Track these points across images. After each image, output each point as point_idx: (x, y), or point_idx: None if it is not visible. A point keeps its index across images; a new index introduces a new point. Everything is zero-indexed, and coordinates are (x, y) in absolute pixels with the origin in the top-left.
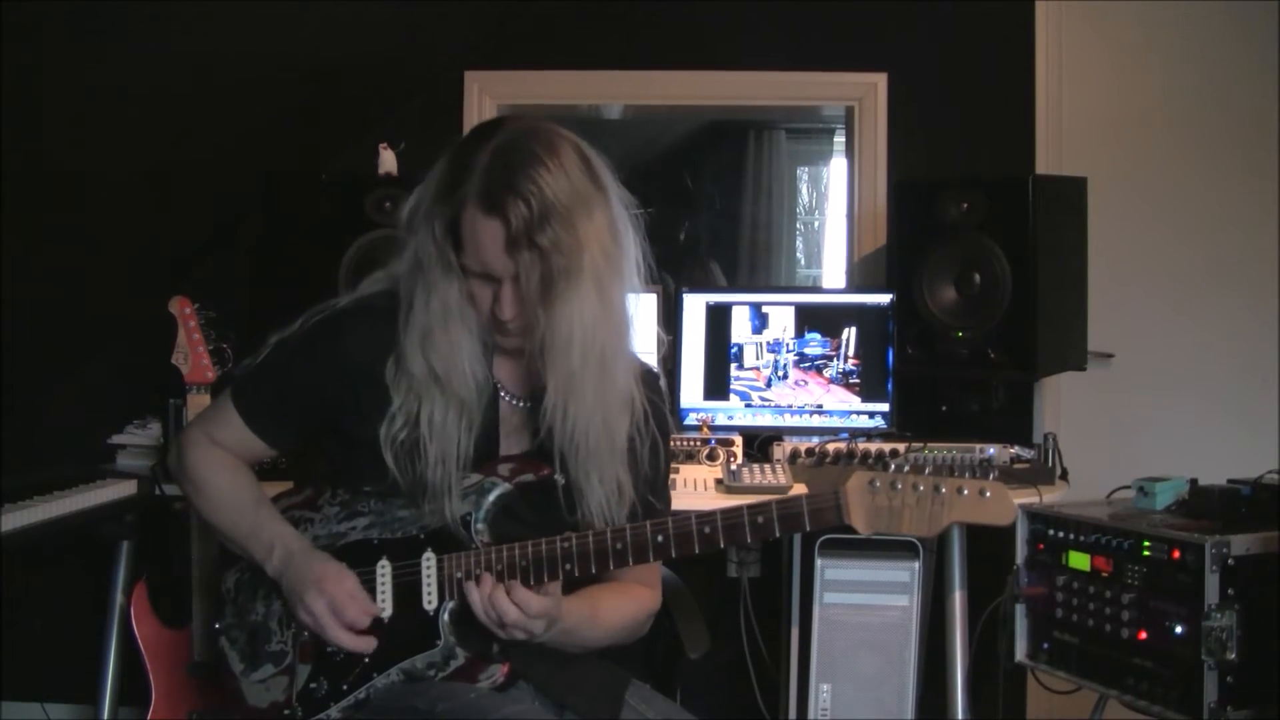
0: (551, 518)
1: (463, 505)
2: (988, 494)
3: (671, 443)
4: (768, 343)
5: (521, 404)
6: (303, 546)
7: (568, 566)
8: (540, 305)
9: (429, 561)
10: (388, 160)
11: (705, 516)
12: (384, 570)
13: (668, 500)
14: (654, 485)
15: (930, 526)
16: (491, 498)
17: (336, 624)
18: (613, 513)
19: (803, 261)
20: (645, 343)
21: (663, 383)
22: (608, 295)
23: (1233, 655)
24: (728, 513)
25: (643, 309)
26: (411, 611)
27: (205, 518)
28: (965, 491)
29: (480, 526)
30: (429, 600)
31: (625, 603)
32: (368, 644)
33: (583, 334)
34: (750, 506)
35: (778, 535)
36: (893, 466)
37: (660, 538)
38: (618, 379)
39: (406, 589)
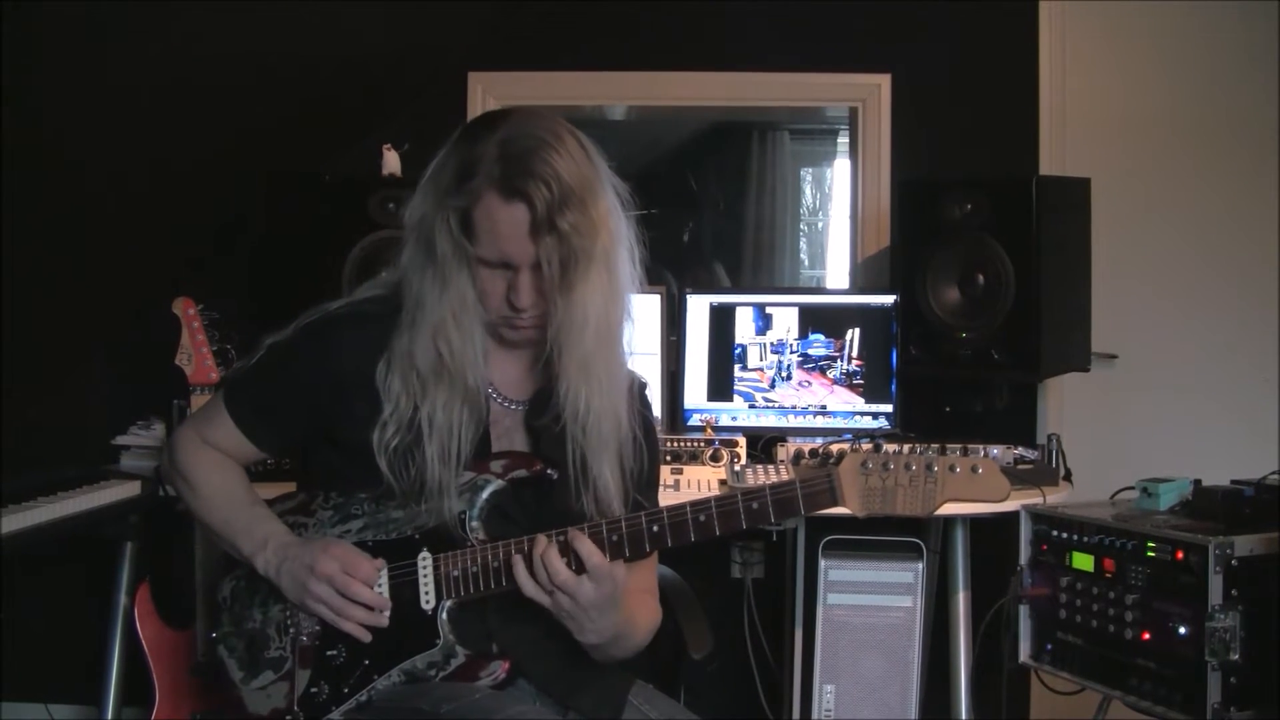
0: (545, 514)
1: (457, 503)
2: (980, 470)
3: (676, 443)
4: (771, 344)
5: (514, 406)
6: (298, 538)
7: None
8: (557, 290)
9: (425, 561)
10: (391, 161)
11: (700, 504)
12: (380, 572)
13: (654, 502)
14: (641, 483)
15: (924, 506)
16: (485, 494)
17: (352, 580)
18: (612, 500)
19: (806, 262)
20: (647, 342)
21: (649, 393)
22: (615, 275)
23: (1236, 656)
24: (722, 499)
25: (645, 309)
26: (410, 612)
27: (197, 515)
28: (957, 469)
29: (475, 524)
30: (427, 600)
31: (643, 608)
32: (384, 603)
33: (596, 316)
34: (745, 492)
35: (774, 520)
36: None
37: (656, 527)
38: (623, 360)
39: (404, 590)
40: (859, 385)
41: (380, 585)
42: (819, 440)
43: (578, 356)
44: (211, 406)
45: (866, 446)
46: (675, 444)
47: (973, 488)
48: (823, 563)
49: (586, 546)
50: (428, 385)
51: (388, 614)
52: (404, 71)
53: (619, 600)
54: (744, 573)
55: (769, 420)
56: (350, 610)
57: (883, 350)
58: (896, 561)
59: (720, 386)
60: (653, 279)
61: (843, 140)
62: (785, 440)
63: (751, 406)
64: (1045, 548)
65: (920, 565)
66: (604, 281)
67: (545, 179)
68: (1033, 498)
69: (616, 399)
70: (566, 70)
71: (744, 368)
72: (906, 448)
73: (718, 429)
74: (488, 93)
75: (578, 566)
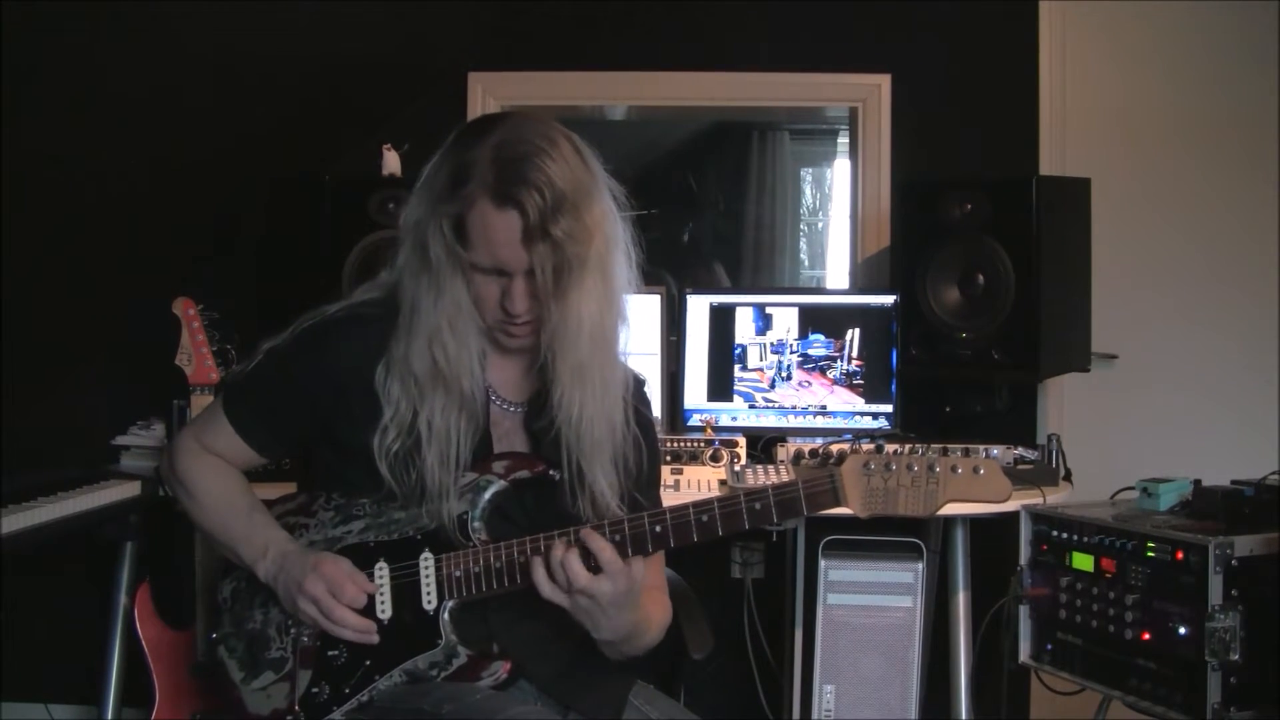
0: (547, 514)
1: (459, 505)
2: (981, 471)
3: (676, 444)
4: (771, 344)
5: (513, 409)
6: (297, 546)
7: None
8: (551, 296)
9: (427, 562)
10: (391, 161)
11: (702, 505)
12: (382, 572)
13: (656, 500)
14: (639, 483)
15: (926, 506)
16: (487, 496)
17: (336, 605)
18: (609, 504)
19: (806, 262)
20: (647, 342)
21: (647, 389)
22: (610, 281)
23: (1236, 656)
24: (724, 500)
25: (645, 310)
26: (411, 612)
27: (197, 522)
28: (959, 470)
29: (477, 525)
30: (429, 600)
31: (656, 605)
32: (369, 626)
33: (591, 321)
34: (747, 493)
35: (776, 521)
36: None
37: (658, 528)
38: (618, 364)
39: (405, 590)
40: (859, 385)
41: (382, 587)
42: (819, 440)
43: (571, 362)
44: (210, 412)
45: (867, 447)
46: (675, 444)
47: (974, 489)
48: (823, 563)
49: (598, 542)
50: (425, 391)
51: (375, 636)
52: (404, 71)
53: (637, 597)
54: (744, 573)
55: (769, 420)
56: (337, 631)
57: (883, 350)
58: (896, 562)
59: (720, 387)
60: (652, 280)
61: (843, 140)
62: (785, 440)
63: (751, 407)
64: (1045, 548)
65: (920, 565)
66: (598, 287)
67: (538, 186)
68: (1033, 498)
69: (610, 404)
70: (566, 70)
71: (744, 368)
72: (907, 448)
73: (718, 429)
74: (488, 93)
75: (593, 565)
